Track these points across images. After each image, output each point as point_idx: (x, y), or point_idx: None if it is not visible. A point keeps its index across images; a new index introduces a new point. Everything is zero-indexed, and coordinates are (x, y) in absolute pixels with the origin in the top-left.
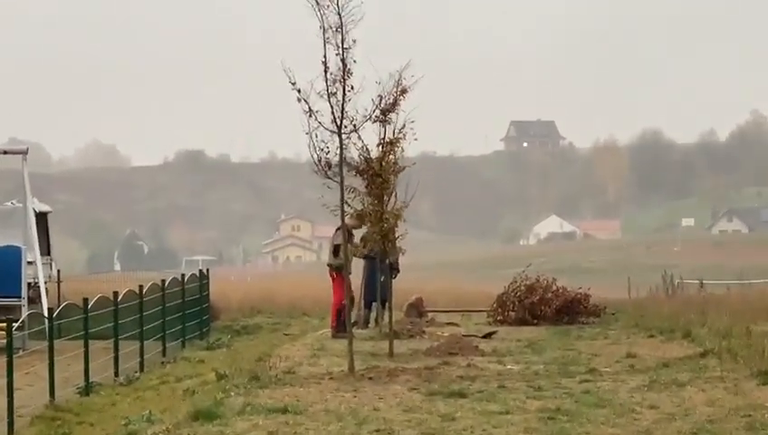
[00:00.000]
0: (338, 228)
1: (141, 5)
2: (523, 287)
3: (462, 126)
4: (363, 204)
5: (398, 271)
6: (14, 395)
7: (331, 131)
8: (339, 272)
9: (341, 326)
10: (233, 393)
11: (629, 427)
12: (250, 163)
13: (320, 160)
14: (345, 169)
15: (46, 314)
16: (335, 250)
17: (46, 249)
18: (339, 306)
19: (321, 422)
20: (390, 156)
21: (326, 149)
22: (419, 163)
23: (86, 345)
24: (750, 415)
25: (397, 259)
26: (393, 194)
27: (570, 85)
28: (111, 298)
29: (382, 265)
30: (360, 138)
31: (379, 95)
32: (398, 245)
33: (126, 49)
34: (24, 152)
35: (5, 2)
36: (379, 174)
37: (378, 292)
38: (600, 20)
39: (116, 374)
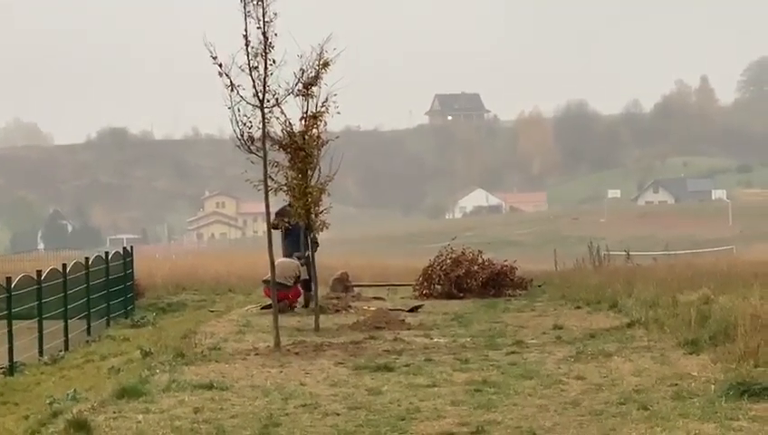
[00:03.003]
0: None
1: None
2: (448, 261)
3: (386, 100)
4: (287, 178)
5: (317, 246)
6: None
7: (253, 106)
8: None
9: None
10: (158, 371)
11: (557, 398)
12: (173, 140)
13: (242, 135)
14: (268, 144)
15: None
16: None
17: None
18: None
19: (248, 398)
20: (313, 130)
21: (249, 124)
22: (343, 137)
23: (9, 325)
24: (677, 384)
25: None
26: (317, 168)
27: (494, 58)
28: (35, 277)
29: (307, 238)
30: (282, 112)
31: (301, 68)
32: (322, 219)
33: (46, 26)
34: None
35: None
36: (302, 148)
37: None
38: None
39: (40, 353)
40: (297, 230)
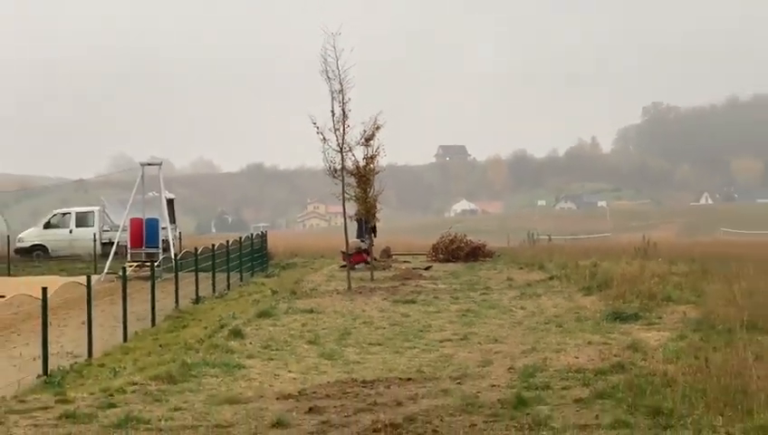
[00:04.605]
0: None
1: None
2: (447, 240)
3: (411, 146)
4: (355, 193)
5: (376, 233)
6: (156, 304)
7: (336, 151)
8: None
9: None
10: (281, 302)
11: (509, 319)
12: (290, 170)
13: (330, 168)
14: (345, 173)
15: (173, 257)
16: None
17: (173, 220)
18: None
19: (332, 317)
20: (371, 165)
21: (334, 162)
22: (387, 169)
23: (196, 275)
24: (578, 312)
25: (375, 226)
26: (372, 187)
27: (473, 121)
28: (210, 248)
29: (367, 227)
30: (353, 155)
31: (363, 129)
32: (376, 216)
33: (218, 92)
34: (160, 164)
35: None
36: (364, 175)
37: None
38: (500, 79)
39: (213, 292)
40: (362, 222)
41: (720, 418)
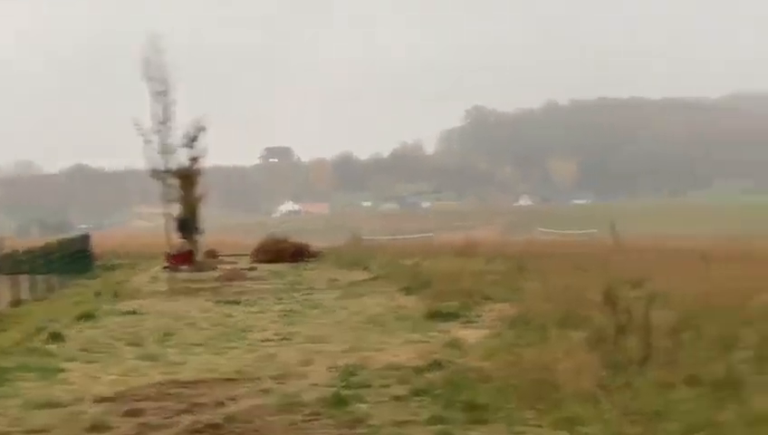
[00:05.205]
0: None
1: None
2: (272, 241)
3: (237, 149)
4: (179, 194)
5: (201, 233)
6: None
7: (159, 153)
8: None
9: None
10: (103, 303)
11: (332, 318)
12: (117, 172)
13: (153, 169)
14: (168, 175)
15: None
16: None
17: None
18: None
19: (155, 319)
20: (195, 166)
21: (157, 163)
22: (214, 170)
23: (15, 277)
24: (399, 312)
25: (199, 226)
26: (196, 187)
27: (300, 124)
28: (31, 250)
29: (192, 227)
30: (176, 156)
31: (187, 131)
32: (200, 217)
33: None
34: None
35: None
36: (188, 176)
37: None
38: (337, 84)
39: (33, 294)
40: (186, 222)
41: (531, 411)
